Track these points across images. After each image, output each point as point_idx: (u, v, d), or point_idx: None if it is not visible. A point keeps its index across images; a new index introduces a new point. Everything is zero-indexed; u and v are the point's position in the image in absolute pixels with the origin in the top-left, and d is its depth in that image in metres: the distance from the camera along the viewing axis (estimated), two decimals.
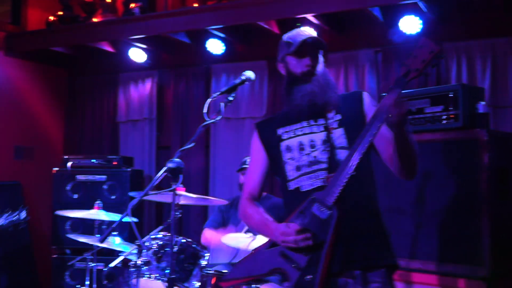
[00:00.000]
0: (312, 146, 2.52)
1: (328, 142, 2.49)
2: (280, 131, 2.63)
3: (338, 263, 2.34)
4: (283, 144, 2.60)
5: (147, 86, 6.42)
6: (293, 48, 2.56)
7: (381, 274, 2.41)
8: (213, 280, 3.65)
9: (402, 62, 2.26)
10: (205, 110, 2.53)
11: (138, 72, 6.46)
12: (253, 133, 2.77)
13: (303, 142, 2.55)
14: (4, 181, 6.14)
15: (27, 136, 6.53)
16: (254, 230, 2.84)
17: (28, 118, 6.56)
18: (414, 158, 2.38)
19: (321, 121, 2.54)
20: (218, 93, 2.61)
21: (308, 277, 2.27)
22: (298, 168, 2.53)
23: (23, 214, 3.60)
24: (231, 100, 2.60)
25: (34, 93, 6.63)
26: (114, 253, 5.21)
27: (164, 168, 2.56)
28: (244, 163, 4.58)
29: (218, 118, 2.55)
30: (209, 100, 2.55)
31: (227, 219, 4.58)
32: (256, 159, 2.73)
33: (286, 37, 2.66)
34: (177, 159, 2.69)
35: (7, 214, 3.62)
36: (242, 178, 4.56)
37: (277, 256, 2.42)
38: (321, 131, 2.53)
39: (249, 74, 2.68)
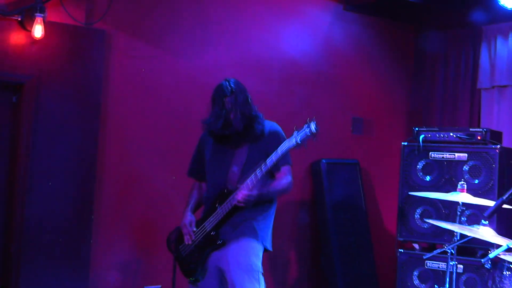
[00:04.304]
0: None
1: None
2: None
3: None
4: None
5: None
6: None
7: None
8: None
9: None
10: None
11: (509, 22, 6.19)
12: None
13: None
14: (340, 159, 6.26)
15: (366, 106, 6.62)
16: None
17: (368, 85, 6.62)
18: None
19: None
20: None
21: None
22: None
23: (313, 126, 3.56)
24: None
25: (375, 54, 6.71)
26: (473, 252, 4.91)
27: None
28: None
29: None
30: None
31: None
32: None
33: None
34: None
35: (297, 132, 3.62)
36: None
37: None
38: None
39: None
